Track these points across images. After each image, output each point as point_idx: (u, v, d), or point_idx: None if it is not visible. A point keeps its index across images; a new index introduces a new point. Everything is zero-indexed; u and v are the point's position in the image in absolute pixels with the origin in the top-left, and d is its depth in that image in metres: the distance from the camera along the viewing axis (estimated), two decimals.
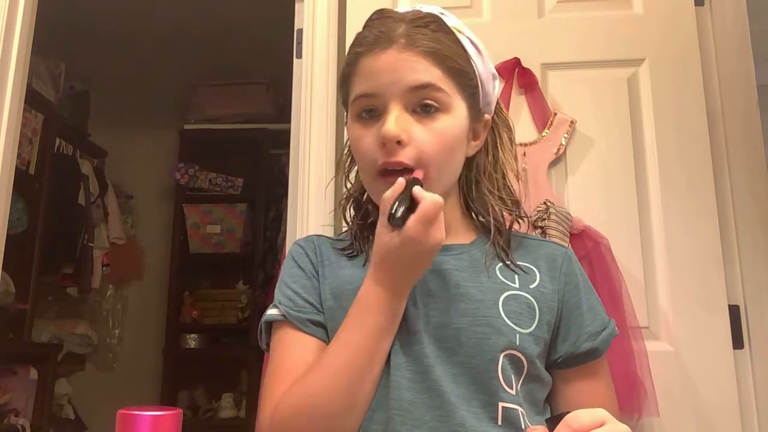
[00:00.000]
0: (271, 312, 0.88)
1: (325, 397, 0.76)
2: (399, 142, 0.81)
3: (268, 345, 0.90)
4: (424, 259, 0.78)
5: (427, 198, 0.75)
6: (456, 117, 0.85)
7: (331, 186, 1.55)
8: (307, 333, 0.84)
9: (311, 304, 0.86)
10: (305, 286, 0.88)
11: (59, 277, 3.10)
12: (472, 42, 0.90)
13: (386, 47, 0.84)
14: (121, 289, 3.56)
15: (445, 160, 0.85)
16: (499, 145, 0.95)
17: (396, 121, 0.81)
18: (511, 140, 0.97)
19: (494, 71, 0.93)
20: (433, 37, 0.85)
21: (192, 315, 3.39)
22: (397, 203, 0.75)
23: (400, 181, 0.76)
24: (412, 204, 0.75)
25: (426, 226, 0.74)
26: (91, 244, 3.15)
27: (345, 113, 0.95)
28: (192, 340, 3.40)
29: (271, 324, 0.89)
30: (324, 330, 0.85)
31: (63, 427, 3.05)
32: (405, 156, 0.81)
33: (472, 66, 0.88)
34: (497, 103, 0.96)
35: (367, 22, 0.91)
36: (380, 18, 0.89)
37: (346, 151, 0.98)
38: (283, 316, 0.85)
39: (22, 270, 2.76)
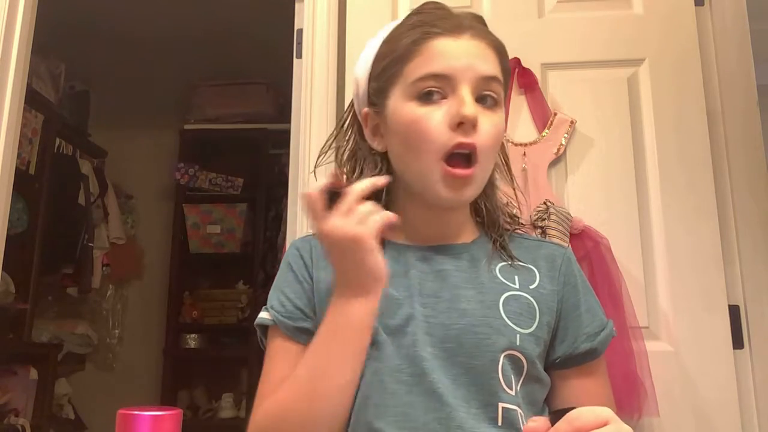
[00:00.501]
0: (263, 316, 0.88)
1: (291, 408, 0.77)
2: (473, 126, 0.81)
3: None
4: (336, 254, 0.78)
5: (353, 187, 0.77)
6: (503, 115, 0.87)
7: None
8: (294, 341, 0.84)
9: (301, 310, 0.86)
10: (297, 291, 0.87)
11: (59, 277, 3.10)
12: None
13: (459, 33, 0.84)
14: (121, 289, 3.56)
15: (494, 154, 0.86)
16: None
17: (472, 103, 0.81)
18: (505, 154, 0.98)
19: None
20: (489, 30, 0.88)
21: (192, 315, 3.39)
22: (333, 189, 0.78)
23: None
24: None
25: (317, 225, 0.77)
26: (91, 244, 3.15)
27: (373, 97, 0.90)
28: (192, 340, 3.40)
29: (266, 326, 0.89)
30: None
31: (63, 427, 3.05)
32: (477, 140, 0.81)
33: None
34: None
35: (418, 9, 0.90)
36: (436, 9, 0.88)
37: (343, 143, 0.97)
38: (273, 321, 0.86)
39: (22, 270, 2.76)
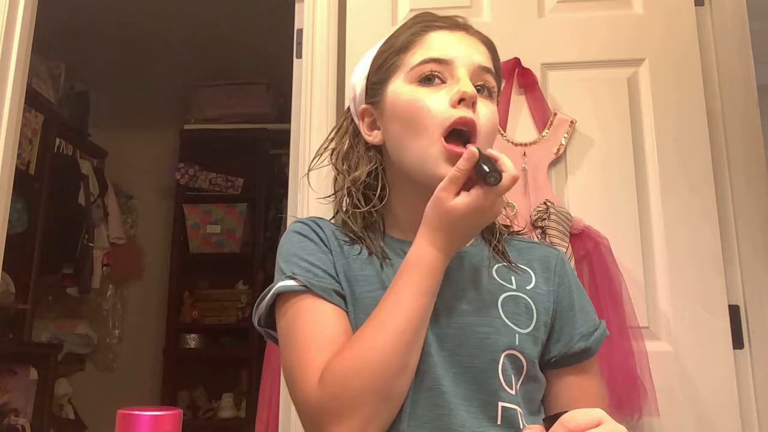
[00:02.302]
0: (287, 283, 0.82)
1: (385, 356, 0.74)
2: (473, 104, 0.83)
3: (259, 322, 0.87)
4: (481, 226, 0.81)
5: (512, 171, 0.77)
6: (496, 111, 0.89)
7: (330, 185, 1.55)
8: (332, 303, 0.81)
9: (331, 276, 0.84)
10: (321, 259, 0.85)
11: (59, 277, 3.10)
12: None
13: (455, 29, 0.89)
14: (121, 289, 3.56)
15: (491, 141, 0.86)
16: None
17: (471, 85, 0.83)
18: None
19: None
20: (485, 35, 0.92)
21: (192, 315, 3.39)
22: (484, 164, 0.75)
23: (473, 150, 0.76)
24: (482, 169, 0.75)
25: (497, 197, 0.77)
26: (91, 244, 3.15)
27: (371, 92, 0.91)
28: (192, 340, 3.40)
29: (273, 302, 0.85)
30: (345, 302, 0.83)
31: (63, 427, 3.05)
32: (476, 119, 0.83)
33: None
34: None
35: (414, 15, 0.94)
36: (431, 14, 0.93)
37: (336, 146, 0.97)
38: (305, 286, 0.82)
39: (22, 270, 2.75)
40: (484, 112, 0.84)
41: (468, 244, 0.91)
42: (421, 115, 0.83)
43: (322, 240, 0.88)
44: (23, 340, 2.82)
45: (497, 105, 0.91)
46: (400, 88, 0.86)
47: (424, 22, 0.89)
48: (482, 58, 0.87)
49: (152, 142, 3.64)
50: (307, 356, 0.78)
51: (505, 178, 0.75)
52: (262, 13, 2.78)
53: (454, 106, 0.82)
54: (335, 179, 0.95)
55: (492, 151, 0.79)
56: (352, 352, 0.75)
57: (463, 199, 0.76)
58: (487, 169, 0.74)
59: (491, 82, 0.87)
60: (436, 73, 0.85)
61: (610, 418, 0.61)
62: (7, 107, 1.68)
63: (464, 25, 0.90)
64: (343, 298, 0.83)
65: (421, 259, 0.78)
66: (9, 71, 1.71)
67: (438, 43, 0.87)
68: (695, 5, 1.56)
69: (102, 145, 3.50)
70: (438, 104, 0.83)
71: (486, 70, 0.87)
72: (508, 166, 0.76)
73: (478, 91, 0.85)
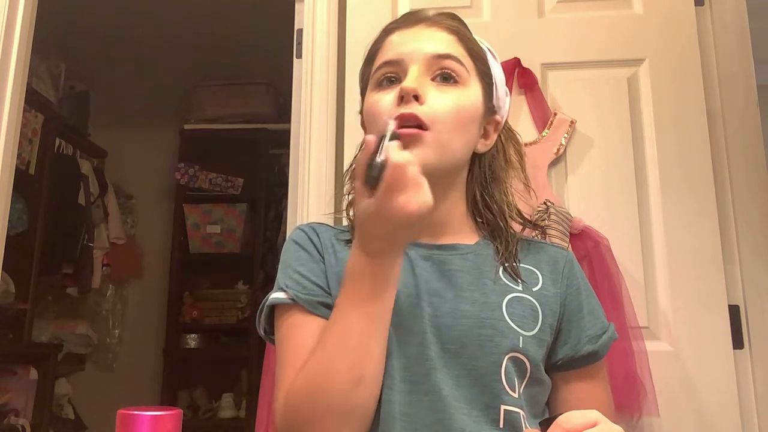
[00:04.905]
0: (278, 296, 0.85)
1: (331, 372, 0.74)
2: (416, 97, 0.82)
3: (265, 330, 0.88)
4: (401, 228, 0.71)
5: (393, 159, 0.68)
6: (471, 95, 0.87)
7: (331, 185, 1.55)
8: (318, 316, 0.82)
9: (320, 286, 0.85)
10: (313, 269, 0.86)
11: (59, 277, 3.10)
12: (489, 50, 0.95)
13: (413, 24, 0.90)
14: (121, 289, 3.56)
15: (455, 130, 0.84)
16: (508, 156, 0.96)
17: (415, 78, 0.83)
18: (520, 154, 0.98)
19: (506, 88, 0.96)
20: (458, 23, 0.91)
21: (192, 315, 3.39)
22: (374, 161, 0.68)
23: (369, 138, 0.70)
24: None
25: (389, 196, 0.68)
26: (91, 244, 3.15)
27: (361, 107, 0.93)
28: (192, 340, 3.40)
29: (272, 309, 0.87)
30: None
31: (63, 427, 3.05)
32: (420, 111, 0.82)
33: (489, 64, 0.92)
34: (506, 121, 0.98)
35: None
36: (406, 13, 0.94)
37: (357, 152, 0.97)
38: (292, 299, 0.83)
39: (22, 270, 2.75)
40: (438, 100, 0.83)
41: (474, 242, 0.90)
42: (374, 119, 0.86)
43: (316, 248, 0.89)
44: (23, 340, 2.82)
45: (483, 86, 0.89)
46: (367, 98, 0.90)
47: (387, 27, 0.92)
48: (438, 45, 0.87)
49: (152, 142, 3.64)
50: (283, 374, 0.80)
51: (385, 176, 0.68)
52: (262, 13, 2.79)
53: (398, 105, 0.83)
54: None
55: (390, 148, 0.69)
56: (303, 372, 0.77)
57: (364, 204, 0.71)
58: (369, 171, 0.68)
59: (453, 66, 0.86)
60: (390, 75, 0.87)
61: (607, 419, 0.61)
62: (7, 107, 1.68)
63: (425, 17, 0.90)
64: (331, 308, 0.82)
65: (351, 266, 0.76)
66: (9, 71, 1.71)
67: (392, 46, 0.89)
68: (695, 5, 1.56)
69: (102, 145, 3.50)
70: (386, 105, 0.84)
71: (443, 57, 0.86)
72: (393, 156, 0.68)
73: (444, 79, 0.85)
